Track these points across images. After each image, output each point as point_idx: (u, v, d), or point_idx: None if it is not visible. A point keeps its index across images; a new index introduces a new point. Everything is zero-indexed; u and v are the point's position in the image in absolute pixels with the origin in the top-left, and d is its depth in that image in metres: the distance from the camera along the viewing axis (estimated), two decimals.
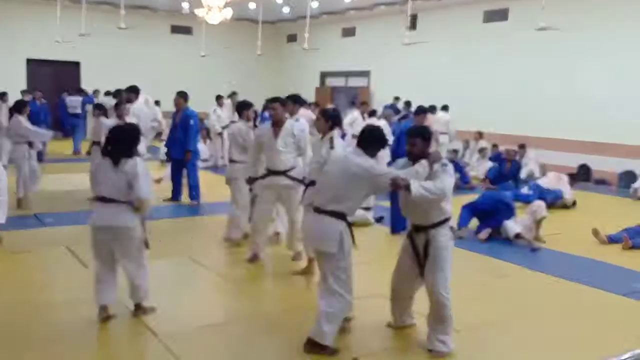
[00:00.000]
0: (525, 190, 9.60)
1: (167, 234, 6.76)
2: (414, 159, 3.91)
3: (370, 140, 3.91)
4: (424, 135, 3.94)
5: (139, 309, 4.38)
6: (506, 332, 4.42)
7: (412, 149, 3.92)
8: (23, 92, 13.87)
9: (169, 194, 8.70)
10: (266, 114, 12.95)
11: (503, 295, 5.25)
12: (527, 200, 9.01)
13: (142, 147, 6.10)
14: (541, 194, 8.99)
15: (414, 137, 3.92)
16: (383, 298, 4.32)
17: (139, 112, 8.61)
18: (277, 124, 5.61)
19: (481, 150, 13.04)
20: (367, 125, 4.21)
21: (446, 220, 3.91)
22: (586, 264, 6.33)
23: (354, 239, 3.90)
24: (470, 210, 7.40)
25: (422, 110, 7.62)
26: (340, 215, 3.80)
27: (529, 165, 12.26)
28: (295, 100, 6.54)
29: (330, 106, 6.43)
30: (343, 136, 8.69)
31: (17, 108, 8.09)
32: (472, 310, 4.72)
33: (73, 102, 15.60)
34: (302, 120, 6.05)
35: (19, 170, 7.90)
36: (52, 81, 17.91)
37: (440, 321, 3.91)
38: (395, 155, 6.67)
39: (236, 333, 4.23)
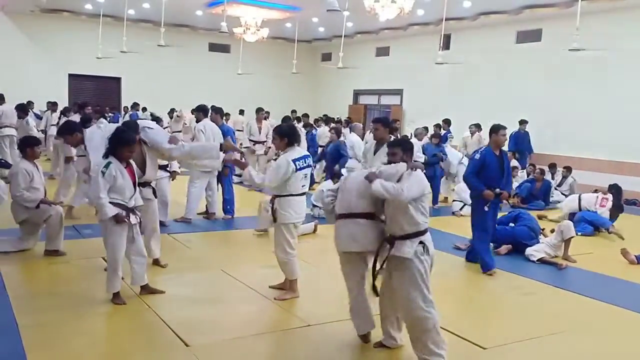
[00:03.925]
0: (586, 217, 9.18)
1: (201, 247, 6.97)
2: None
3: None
4: (404, 145, 4.12)
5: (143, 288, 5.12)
6: (532, 352, 4.34)
7: (393, 158, 4.06)
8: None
9: (204, 208, 8.89)
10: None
11: (529, 314, 5.20)
12: (592, 223, 8.88)
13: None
14: (592, 222, 8.92)
15: (394, 147, 4.10)
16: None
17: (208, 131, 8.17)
18: None
19: (512, 170, 12.92)
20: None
21: (417, 234, 3.75)
22: (614, 284, 6.30)
23: None
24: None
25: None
26: (372, 216, 3.99)
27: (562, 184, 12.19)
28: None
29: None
30: None
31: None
32: (497, 328, 4.75)
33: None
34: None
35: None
36: (94, 96, 18.57)
37: (426, 333, 3.73)
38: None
39: (268, 346, 4.30)
